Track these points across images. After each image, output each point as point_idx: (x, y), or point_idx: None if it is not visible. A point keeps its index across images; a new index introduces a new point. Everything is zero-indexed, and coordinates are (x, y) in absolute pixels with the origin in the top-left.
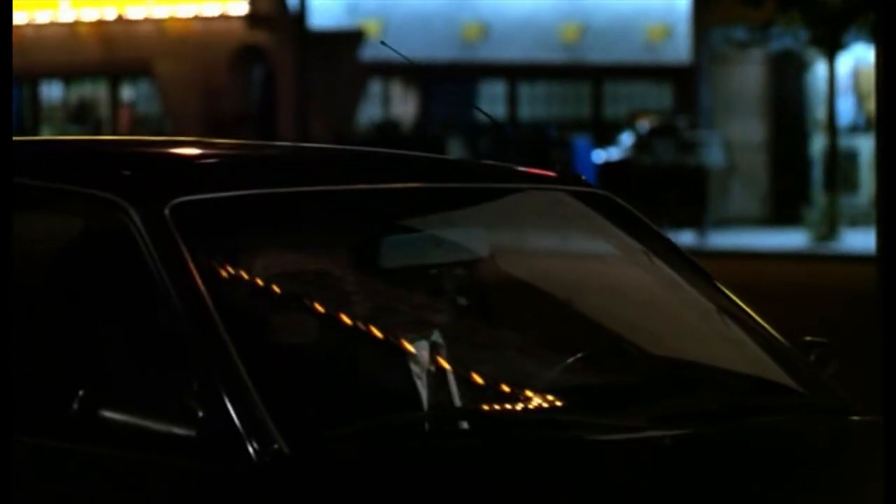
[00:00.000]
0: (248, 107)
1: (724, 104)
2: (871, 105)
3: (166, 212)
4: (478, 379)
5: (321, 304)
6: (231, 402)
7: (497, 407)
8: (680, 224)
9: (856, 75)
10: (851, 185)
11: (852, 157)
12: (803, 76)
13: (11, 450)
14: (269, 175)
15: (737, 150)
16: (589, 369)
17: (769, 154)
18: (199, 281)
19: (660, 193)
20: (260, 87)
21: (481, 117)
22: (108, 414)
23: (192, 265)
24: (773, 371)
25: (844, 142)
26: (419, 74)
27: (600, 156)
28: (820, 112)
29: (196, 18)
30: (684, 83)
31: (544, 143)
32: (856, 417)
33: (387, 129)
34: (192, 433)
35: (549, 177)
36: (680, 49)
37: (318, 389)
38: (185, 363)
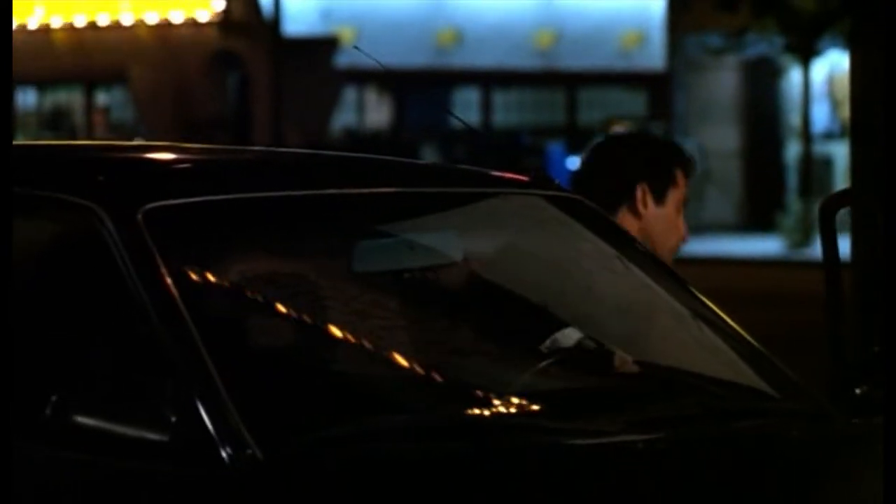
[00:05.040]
0: (222, 112)
1: (698, 111)
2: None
3: (139, 217)
4: (454, 384)
5: (295, 309)
6: (204, 407)
7: (473, 411)
8: None
9: (831, 82)
10: (826, 191)
11: (827, 163)
12: (778, 83)
13: (11, 450)
14: (243, 180)
15: (712, 156)
16: (564, 373)
17: (744, 161)
18: (172, 286)
19: None
20: (234, 92)
21: (456, 123)
22: (81, 419)
23: (165, 270)
24: (748, 375)
25: (819, 148)
26: (393, 81)
27: (575, 162)
28: (795, 119)
29: (170, 24)
30: (659, 90)
31: (518, 150)
32: (831, 421)
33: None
34: (165, 438)
35: (523, 181)
36: (654, 56)
37: (292, 395)
38: (159, 368)
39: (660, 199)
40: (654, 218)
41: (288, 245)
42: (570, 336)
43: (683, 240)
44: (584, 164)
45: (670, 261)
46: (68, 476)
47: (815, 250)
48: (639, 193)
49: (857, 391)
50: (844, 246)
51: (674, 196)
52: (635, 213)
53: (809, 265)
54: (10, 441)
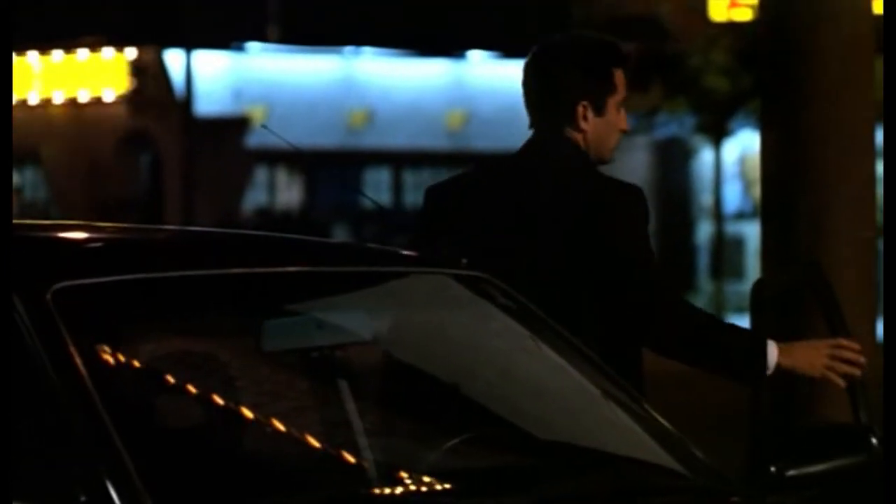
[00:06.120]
0: (134, 192)
1: None
2: (758, 191)
3: (48, 297)
4: (362, 463)
5: (205, 389)
6: (114, 487)
7: (382, 491)
8: None
9: (742, 162)
10: (737, 272)
11: (739, 243)
12: (689, 163)
13: (10, 449)
14: (154, 259)
15: None
16: (474, 452)
17: (655, 241)
18: (81, 366)
19: None
20: (146, 172)
21: (367, 203)
22: None
23: (73, 350)
24: (659, 454)
25: (731, 228)
26: (304, 161)
27: None
28: (706, 199)
29: (82, 103)
30: None
31: None
32: (738, 498)
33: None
34: None
35: (433, 261)
36: None
37: (201, 474)
38: (69, 447)
39: (600, 110)
40: (595, 127)
41: (198, 324)
42: None
43: (624, 131)
44: (523, 83)
45: (610, 156)
46: None
47: None
48: (579, 111)
49: (772, 469)
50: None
51: (613, 101)
52: (577, 129)
53: None
54: (10, 440)
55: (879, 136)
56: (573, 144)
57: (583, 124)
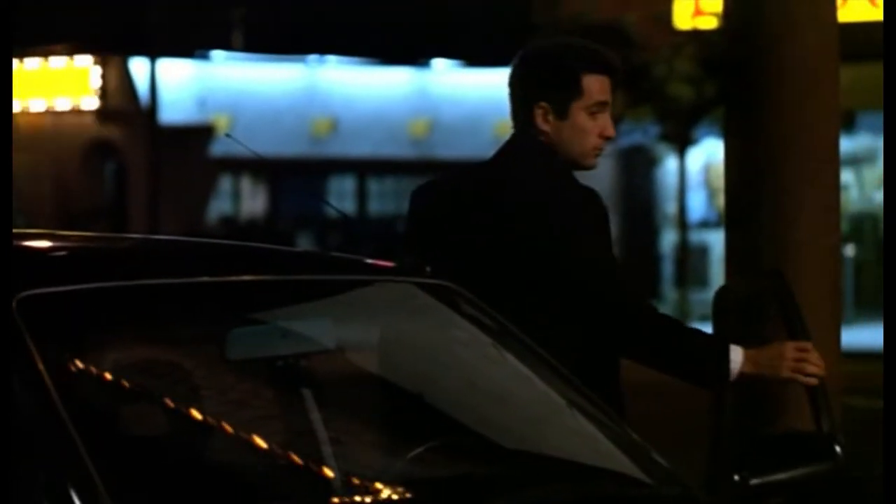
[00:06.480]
0: (100, 201)
1: None
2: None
3: (13, 304)
4: (327, 472)
5: (170, 398)
6: (78, 496)
7: (347, 499)
8: None
9: (707, 170)
10: (702, 280)
11: (703, 252)
12: (654, 171)
13: (10, 449)
14: (119, 268)
15: None
16: (437, 461)
17: (619, 249)
18: (45, 375)
19: None
20: (111, 180)
21: (331, 212)
22: None
23: (38, 359)
24: (622, 462)
25: (695, 237)
26: (269, 169)
27: None
28: (671, 207)
29: (48, 113)
30: None
31: (393, 238)
32: None
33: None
34: None
35: (396, 269)
36: None
37: (166, 483)
38: (33, 456)
39: (562, 114)
40: (558, 130)
41: (163, 333)
42: None
43: (606, 137)
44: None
45: (589, 161)
46: None
47: None
48: (537, 113)
49: (736, 477)
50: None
51: (579, 106)
52: (539, 132)
53: None
54: (10, 439)
55: (844, 144)
56: (535, 147)
57: (543, 126)
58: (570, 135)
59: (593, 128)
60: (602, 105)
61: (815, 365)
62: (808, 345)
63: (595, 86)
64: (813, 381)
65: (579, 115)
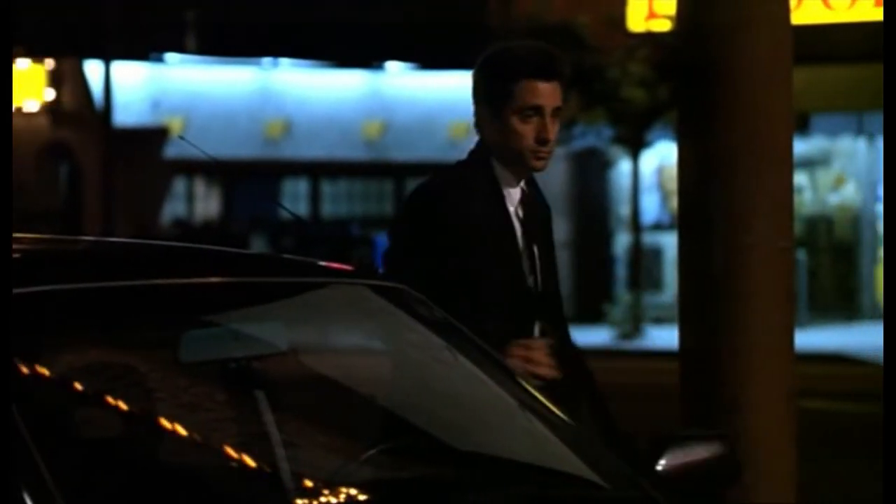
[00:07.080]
0: (54, 203)
1: None
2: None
3: None
4: (281, 474)
5: (124, 400)
6: (31, 498)
7: (299, 502)
8: None
9: (660, 173)
10: (655, 283)
11: (656, 254)
12: (607, 174)
13: (10, 448)
14: (72, 270)
15: None
16: (392, 463)
17: (572, 252)
18: None
19: None
20: (65, 182)
21: (284, 214)
22: None
23: None
24: (577, 465)
25: (649, 239)
26: (222, 171)
27: None
28: (624, 210)
29: None
30: None
31: (347, 240)
32: None
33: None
34: None
35: (349, 271)
36: None
37: (119, 485)
38: None
39: (496, 116)
40: (491, 132)
41: (117, 335)
42: None
43: (542, 141)
44: None
45: (531, 163)
46: None
47: (645, 341)
48: (479, 113)
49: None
50: (675, 337)
51: (511, 109)
52: (481, 132)
53: (639, 355)
54: (10, 438)
55: (798, 147)
56: (474, 148)
57: (485, 129)
58: (504, 138)
59: (526, 131)
60: (536, 109)
61: (541, 364)
62: (537, 342)
63: (528, 90)
64: (552, 374)
65: (511, 119)
